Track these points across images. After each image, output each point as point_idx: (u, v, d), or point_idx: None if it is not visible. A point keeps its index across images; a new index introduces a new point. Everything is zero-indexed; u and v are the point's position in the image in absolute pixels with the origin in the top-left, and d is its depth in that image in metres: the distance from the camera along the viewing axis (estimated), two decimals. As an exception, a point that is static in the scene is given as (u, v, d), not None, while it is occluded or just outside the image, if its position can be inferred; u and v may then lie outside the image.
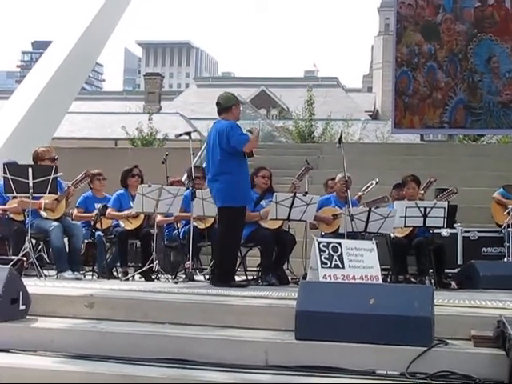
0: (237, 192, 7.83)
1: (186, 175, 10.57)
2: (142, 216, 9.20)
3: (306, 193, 9.19)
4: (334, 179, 10.30)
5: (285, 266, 9.11)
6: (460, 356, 5.02)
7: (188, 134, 9.20)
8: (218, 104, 8.10)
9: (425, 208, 9.10)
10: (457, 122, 17.07)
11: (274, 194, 8.79)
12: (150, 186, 8.81)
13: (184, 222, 9.70)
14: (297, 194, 8.80)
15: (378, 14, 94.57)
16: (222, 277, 7.79)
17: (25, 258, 8.08)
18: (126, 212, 9.26)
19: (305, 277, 8.31)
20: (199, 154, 16.67)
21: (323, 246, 7.16)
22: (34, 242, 9.00)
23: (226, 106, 8.05)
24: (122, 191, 9.60)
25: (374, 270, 7.23)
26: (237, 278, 8.23)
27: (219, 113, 8.11)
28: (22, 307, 6.02)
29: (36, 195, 8.53)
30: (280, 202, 8.68)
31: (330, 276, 6.98)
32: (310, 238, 8.99)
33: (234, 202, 7.82)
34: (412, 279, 9.30)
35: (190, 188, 8.95)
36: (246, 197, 8.03)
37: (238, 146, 7.80)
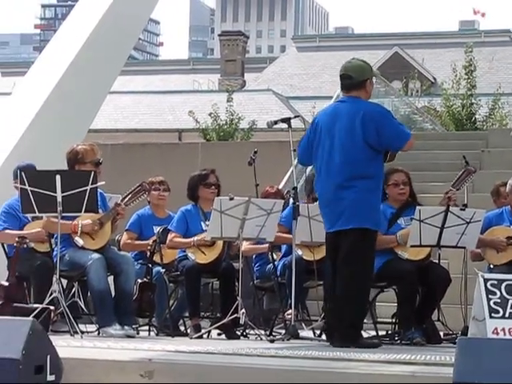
0: (377, 208, 8.02)
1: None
2: (221, 243, 9.30)
3: (465, 205, 9.14)
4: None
5: (434, 316, 9.09)
6: None
7: (287, 121, 9.26)
8: (346, 76, 8.19)
9: None
10: None
11: (417, 208, 8.77)
12: (231, 198, 8.90)
13: (284, 250, 9.76)
14: (451, 208, 8.76)
15: None
16: (347, 333, 7.82)
17: (52, 307, 8.25)
18: (196, 238, 9.37)
19: (465, 332, 8.27)
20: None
21: (492, 285, 7.11)
22: (65, 282, 9.17)
23: (360, 79, 8.15)
24: (189, 207, 9.70)
25: None
26: (363, 334, 8.26)
27: (348, 88, 8.22)
28: (51, 378, 6.16)
29: (67, 214, 8.69)
30: (425, 220, 8.67)
31: (503, 330, 6.93)
32: (472, 274, 8.92)
33: (373, 222, 7.94)
34: None
35: (291, 200, 9.00)
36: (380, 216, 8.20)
37: (398, 142, 8.01)
